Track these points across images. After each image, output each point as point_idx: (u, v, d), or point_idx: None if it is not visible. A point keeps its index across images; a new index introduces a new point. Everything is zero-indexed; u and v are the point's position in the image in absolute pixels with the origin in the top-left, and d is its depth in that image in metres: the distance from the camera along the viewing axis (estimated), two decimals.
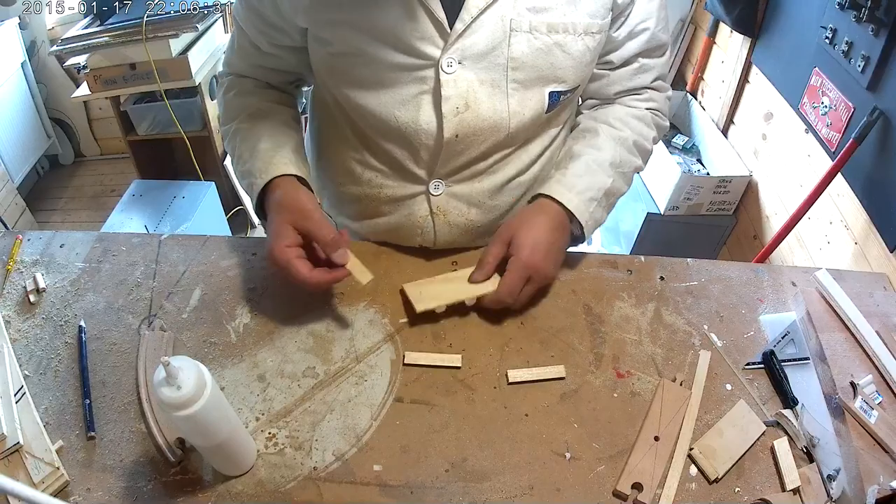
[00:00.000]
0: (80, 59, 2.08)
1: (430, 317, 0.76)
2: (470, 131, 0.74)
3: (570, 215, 0.77)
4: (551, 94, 0.75)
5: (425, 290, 0.77)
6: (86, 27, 2.13)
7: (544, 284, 0.78)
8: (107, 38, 2.00)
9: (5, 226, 2.21)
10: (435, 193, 0.81)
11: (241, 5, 0.78)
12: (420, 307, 0.74)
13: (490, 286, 0.76)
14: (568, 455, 0.64)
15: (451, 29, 0.68)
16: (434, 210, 0.82)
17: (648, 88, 0.85)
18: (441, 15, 0.67)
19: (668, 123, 0.90)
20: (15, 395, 0.64)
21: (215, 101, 2.33)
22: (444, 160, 0.78)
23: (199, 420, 0.51)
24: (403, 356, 0.72)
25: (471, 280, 0.76)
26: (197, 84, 2.12)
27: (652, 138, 0.86)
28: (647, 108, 0.85)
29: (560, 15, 0.69)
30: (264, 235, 0.78)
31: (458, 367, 0.71)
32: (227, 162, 2.39)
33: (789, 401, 0.69)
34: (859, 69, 1.27)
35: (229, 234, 2.45)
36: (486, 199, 0.84)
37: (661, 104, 0.87)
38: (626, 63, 0.81)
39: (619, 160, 0.81)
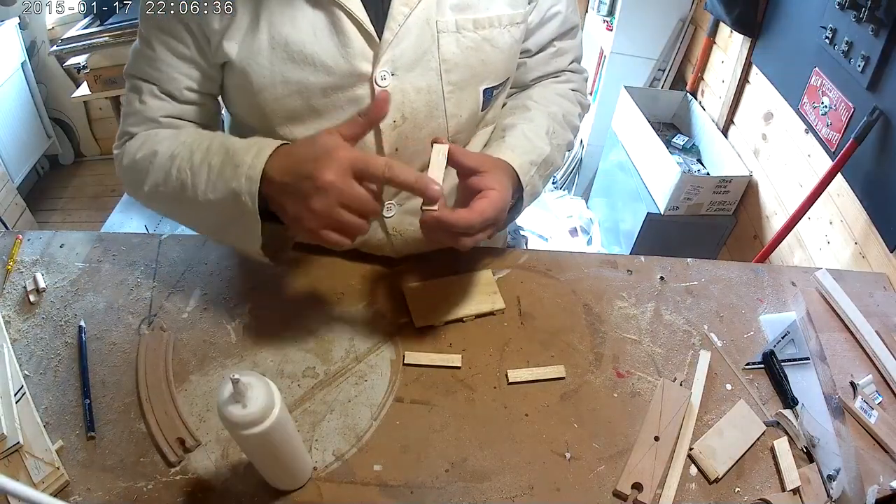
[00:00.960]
0: (80, 59, 2.08)
1: None
2: (409, 143, 0.72)
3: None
4: (485, 90, 0.74)
5: (426, 300, 0.77)
6: (86, 27, 2.14)
7: (485, 237, 0.66)
8: (107, 38, 2.01)
9: (5, 226, 2.21)
10: (388, 216, 0.78)
11: (144, 52, 0.69)
12: (419, 323, 0.75)
13: (488, 304, 0.77)
14: (568, 455, 0.64)
15: (380, 39, 0.65)
16: (390, 231, 0.80)
17: (566, 71, 0.85)
18: (370, 27, 0.65)
19: (590, 103, 0.89)
20: (15, 395, 0.64)
21: None
22: None
23: (265, 439, 0.49)
24: (403, 356, 0.72)
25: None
26: None
27: (577, 114, 0.85)
28: (569, 89, 0.85)
29: (483, 10, 0.69)
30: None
31: (458, 367, 0.71)
32: None
33: (789, 401, 0.69)
34: (859, 69, 1.27)
35: None
36: None
37: (580, 85, 0.87)
38: (542, 49, 0.81)
39: (553, 131, 0.78)
